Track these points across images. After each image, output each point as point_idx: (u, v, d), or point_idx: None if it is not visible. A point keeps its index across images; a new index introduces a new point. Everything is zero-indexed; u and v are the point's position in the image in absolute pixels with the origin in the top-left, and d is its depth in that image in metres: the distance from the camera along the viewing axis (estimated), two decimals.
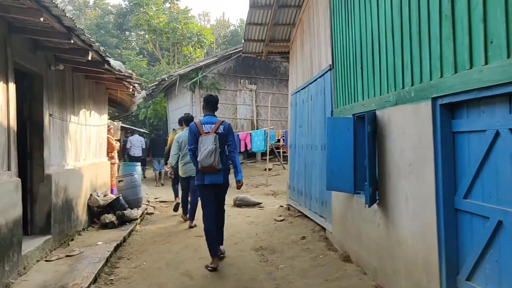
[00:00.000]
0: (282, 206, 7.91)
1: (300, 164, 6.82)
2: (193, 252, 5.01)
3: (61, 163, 5.23)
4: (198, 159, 4.33)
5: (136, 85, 7.79)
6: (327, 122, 4.46)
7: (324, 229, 5.50)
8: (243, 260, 4.67)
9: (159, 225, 6.74)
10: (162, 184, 13.23)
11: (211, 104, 4.76)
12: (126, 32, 32.34)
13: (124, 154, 16.40)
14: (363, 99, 3.97)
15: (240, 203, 8.59)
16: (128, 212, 6.38)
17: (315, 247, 4.89)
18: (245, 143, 12.57)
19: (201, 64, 14.91)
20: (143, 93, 10.13)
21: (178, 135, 6.63)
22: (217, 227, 4.60)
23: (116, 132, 9.38)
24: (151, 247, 5.30)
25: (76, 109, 6.00)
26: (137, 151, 14.85)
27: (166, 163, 7.89)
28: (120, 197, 6.57)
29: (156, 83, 16.79)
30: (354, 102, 4.23)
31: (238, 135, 13.04)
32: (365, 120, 3.67)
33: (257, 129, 14.79)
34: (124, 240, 5.54)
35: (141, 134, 19.14)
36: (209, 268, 4.28)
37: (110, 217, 6.12)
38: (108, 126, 8.48)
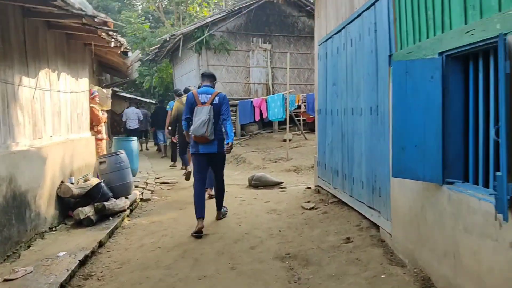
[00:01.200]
0: (310, 188, 6.39)
1: (334, 135, 5.22)
2: (192, 266, 3.55)
3: (5, 143, 3.76)
4: (191, 128, 4.53)
5: (119, 38, 6.20)
6: (394, 69, 2.84)
7: (375, 225, 3.97)
8: (264, 279, 3.20)
9: (153, 218, 5.31)
10: (167, 156, 11.87)
11: (208, 77, 4.86)
12: None
13: (121, 127, 15.68)
14: (465, 22, 2.31)
15: (257, 183, 7.11)
16: (111, 203, 4.95)
17: (368, 258, 3.37)
18: (260, 111, 10.97)
19: (208, 21, 13.12)
20: (137, 53, 8.54)
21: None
22: (218, 187, 4.97)
23: (104, 101, 7.88)
24: (136, 256, 3.87)
25: (32, 69, 4.48)
26: (132, 124, 14.20)
27: (172, 134, 7.81)
28: (102, 184, 5.14)
29: (158, 45, 15.12)
30: (443, 31, 2.56)
31: (251, 101, 11.45)
32: (477, 59, 2.04)
33: (273, 94, 13.11)
34: (101, 244, 4.13)
35: (142, 105, 17.89)
36: (194, 235, 4.38)
37: (86, 211, 4.70)
38: (92, 93, 6.97)
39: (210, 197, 5.89)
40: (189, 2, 19.49)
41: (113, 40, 5.58)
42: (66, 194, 4.80)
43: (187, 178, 7.19)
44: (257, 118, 11.10)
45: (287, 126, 9.76)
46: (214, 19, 13.17)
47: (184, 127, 4.77)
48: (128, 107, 14.78)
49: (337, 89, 5.11)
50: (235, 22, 13.64)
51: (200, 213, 4.53)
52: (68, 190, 4.80)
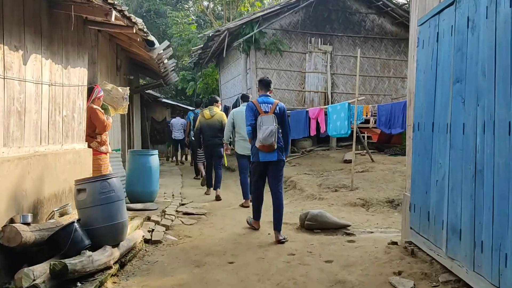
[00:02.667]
0: (396, 244, 4.24)
1: (455, 167, 3.10)
2: None
3: None
4: (258, 137, 4.61)
5: (131, 16, 4.51)
6: None
7: None
8: None
9: (152, 282, 3.45)
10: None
11: (265, 86, 4.96)
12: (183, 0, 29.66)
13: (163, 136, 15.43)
14: None
15: (313, 224, 5.10)
16: (83, 259, 3.14)
17: None
18: (317, 124, 8.93)
19: (258, 15, 11.38)
20: (166, 45, 6.88)
21: (234, 111, 6.80)
22: (275, 206, 4.83)
23: (119, 102, 6.24)
24: None
25: None
26: (177, 134, 13.30)
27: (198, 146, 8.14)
28: (75, 225, 3.37)
29: (201, 45, 13.59)
30: None
31: (306, 112, 9.44)
32: None
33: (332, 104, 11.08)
34: None
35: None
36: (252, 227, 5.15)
37: (35, 274, 2.92)
38: (98, 93, 5.32)
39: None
40: (240, 2, 18.00)
41: (113, 10, 3.86)
42: (13, 242, 3.07)
43: (203, 184, 7.95)
44: (313, 132, 9.07)
45: (353, 143, 7.63)
46: (266, 14, 11.41)
47: (249, 135, 4.84)
48: (174, 117, 14.06)
49: (464, 90, 3.01)
50: (291, 18, 11.79)
51: (257, 217, 5.16)
52: (16, 236, 3.06)
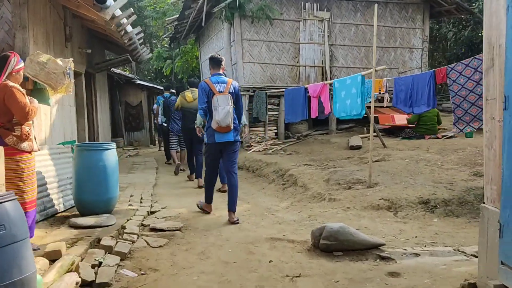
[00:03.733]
0: (474, 286, 2.79)
1: None
2: None
3: None
4: (215, 118, 4.52)
5: None
6: None
7: None
8: None
9: None
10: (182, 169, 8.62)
11: (217, 63, 4.77)
12: None
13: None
14: None
15: (331, 245, 3.64)
16: None
17: None
18: (319, 103, 7.41)
19: None
20: (122, 2, 5.22)
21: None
22: (233, 184, 4.79)
23: (58, 79, 4.62)
24: None
25: None
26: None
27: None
28: None
29: (177, 16, 11.86)
30: None
31: (305, 89, 7.92)
32: None
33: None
34: None
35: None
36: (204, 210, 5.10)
37: None
38: (15, 64, 3.67)
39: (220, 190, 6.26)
40: None
41: None
42: None
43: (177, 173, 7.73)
44: (314, 114, 7.56)
45: (371, 126, 6.10)
46: None
47: (202, 117, 4.73)
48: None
49: None
50: None
51: (210, 199, 5.07)
52: None
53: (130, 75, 16.14)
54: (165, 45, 18.68)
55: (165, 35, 13.88)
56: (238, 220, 4.66)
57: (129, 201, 5.71)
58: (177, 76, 16.89)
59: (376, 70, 5.72)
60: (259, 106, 9.89)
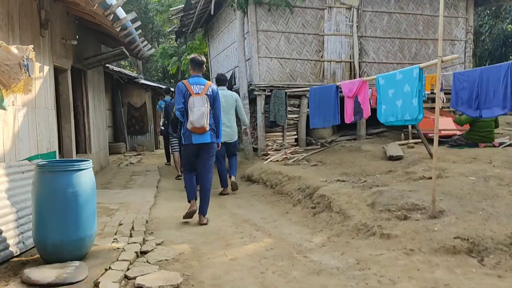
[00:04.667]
0: None
1: None
2: None
3: None
4: (190, 119, 4.64)
5: None
6: None
7: None
8: None
9: None
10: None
11: (198, 65, 4.90)
12: None
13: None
14: None
15: None
16: None
17: None
18: (355, 104, 6.05)
19: None
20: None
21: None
22: (205, 187, 4.99)
23: (11, 74, 3.38)
24: None
25: None
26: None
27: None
28: None
29: (182, 6, 10.60)
30: None
31: (337, 87, 6.59)
32: None
33: (359, 77, 8.16)
34: None
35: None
36: (184, 217, 4.98)
37: None
38: None
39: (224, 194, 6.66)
40: None
41: None
42: None
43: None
44: (349, 118, 6.18)
45: (422, 137, 4.70)
46: None
47: (178, 116, 4.90)
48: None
49: None
50: None
51: (192, 195, 5.03)
52: None
53: (132, 74, 14.93)
54: (174, 44, 17.56)
55: (170, 29, 12.60)
56: (207, 221, 4.94)
57: (115, 233, 4.42)
58: (184, 75, 15.64)
59: (443, 61, 4.36)
60: (277, 108, 8.57)
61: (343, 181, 6.07)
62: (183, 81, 4.82)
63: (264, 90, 8.84)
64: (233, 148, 6.87)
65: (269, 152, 8.64)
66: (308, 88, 8.07)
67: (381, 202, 4.80)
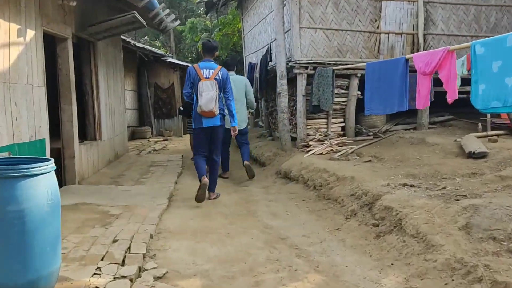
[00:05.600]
0: None
1: None
2: None
3: None
4: (199, 103, 4.75)
5: None
6: None
7: None
8: None
9: None
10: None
11: (209, 50, 5.04)
12: None
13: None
14: None
15: None
16: None
17: None
18: (433, 84, 4.53)
19: None
20: None
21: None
22: (211, 170, 5.24)
23: None
24: None
25: None
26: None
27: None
28: None
29: None
30: None
31: (406, 60, 5.09)
32: None
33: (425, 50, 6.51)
34: None
35: None
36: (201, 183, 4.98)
37: None
38: None
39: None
40: None
41: None
42: None
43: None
44: (423, 103, 4.67)
45: None
46: None
47: (186, 100, 5.14)
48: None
49: None
50: None
51: (202, 173, 5.00)
52: None
53: (159, 51, 13.80)
54: (204, 19, 16.28)
55: (198, 0, 11.34)
56: (217, 196, 5.25)
57: (102, 257, 3.22)
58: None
59: None
60: (321, 90, 7.14)
61: (411, 186, 4.63)
62: (194, 65, 4.97)
63: (306, 68, 7.41)
64: (243, 135, 6.58)
65: (310, 143, 7.25)
66: (360, 65, 6.58)
67: (479, 224, 3.35)
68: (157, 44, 24.70)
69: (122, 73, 8.99)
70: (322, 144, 7.19)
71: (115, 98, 8.15)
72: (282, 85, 7.41)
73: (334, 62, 7.43)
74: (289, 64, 7.47)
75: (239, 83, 6.42)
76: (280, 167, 6.78)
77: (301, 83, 7.44)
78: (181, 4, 23.75)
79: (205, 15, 12.79)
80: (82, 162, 6.12)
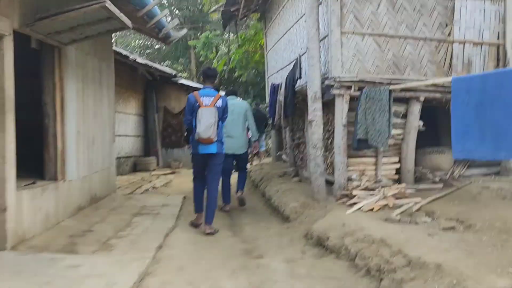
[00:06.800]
0: None
1: None
2: None
3: None
4: (198, 129, 4.77)
5: None
6: None
7: None
8: None
9: None
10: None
11: (209, 78, 5.13)
12: None
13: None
14: None
15: None
16: None
17: None
18: None
19: None
20: None
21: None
22: (211, 195, 5.08)
23: None
24: None
25: None
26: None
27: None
28: None
29: None
30: None
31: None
32: None
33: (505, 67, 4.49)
34: None
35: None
36: (193, 225, 5.25)
37: None
38: None
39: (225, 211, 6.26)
40: None
41: None
42: None
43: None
44: None
45: None
46: None
47: (186, 127, 5.14)
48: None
49: None
50: None
51: (199, 208, 5.25)
52: None
53: (168, 70, 12.13)
54: (219, 33, 14.62)
55: (212, 9, 9.70)
56: (214, 231, 4.99)
57: None
58: (232, 73, 12.60)
59: None
60: (370, 118, 5.15)
61: None
62: (194, 92, 5.02)
63: (349, 88, 5.46)
64: (242, 161, 6.54)
65: (354, 192, 5.20)
66: (424, 84, 4.58)
67: None
68: (178, 68, 23.32)
69: (112, 92, 7.24)
70: (370, 193, 5.13)
71: (96, 124, 6.36)
72: (315, 110, 5.46)
73: (388, 81, 5.45)
74: (325, 82, 5.54)
75: (238, 107, 6.23)
76: (311, 228, 4.73)
77: (342, 108, 5.47)
78: (200, 19, 22.26)
79: (222, 29, 11.15)
80: (24, 216, 4.25)
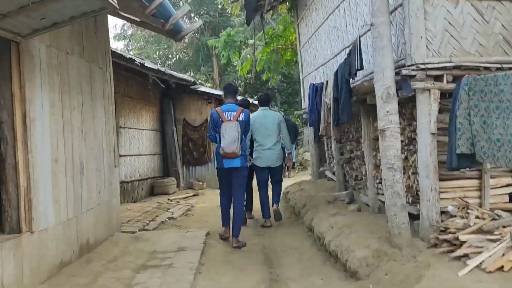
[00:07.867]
0: None
1: None
2: None
3: None
4: (222, 144, 4.95)
5: None
6: None
7: None
8: None
9: None
10: None
11: (231, 93, 5.32)
12: None
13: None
14: None
15: None
16: None
17: None
18: None
19: None
20: None
21: (252, 116, 5.93)
22: (236, 208, 5.17)
23: None
24: None
25: None
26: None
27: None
28: None
29: None
30: None
31: None
32: None
33: None
34: None
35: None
36: (222, 237, 5.36)
37: None
38: None
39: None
40: None
41: None
42: None
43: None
44: None
45: None
46: None
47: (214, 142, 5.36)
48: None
49: None
50: None
51: (225, 222, 5.38)
52: None
53: (185, 77, 10.64)
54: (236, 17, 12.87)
55: (233, 0, 8.18)
56: (241, 245, 5.05)
57: None
58: (259, 77, 10.98)
59: None
60: (479, 121, 3.40)
61: None
62: (216, 108, 5.21)
63: (439, 78, 3.73)
64: (277, 174, 6.32)
65: (461, 237, 3.42)
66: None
67: None
68: (202, 79, 21.98)
69: (110, 103, 5.73)
70: (487, 237, 3.35)
71: (87, 146, 4.83)
72: (388, 114, 3.74)
73: (499, 66, 3.69)
74: (402, 71, 3.83)
75: (272, 118, 6.11)
76: None
77: (428, 109, 3.74)
78: (221, 23, 20.83)
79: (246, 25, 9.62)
80: None
